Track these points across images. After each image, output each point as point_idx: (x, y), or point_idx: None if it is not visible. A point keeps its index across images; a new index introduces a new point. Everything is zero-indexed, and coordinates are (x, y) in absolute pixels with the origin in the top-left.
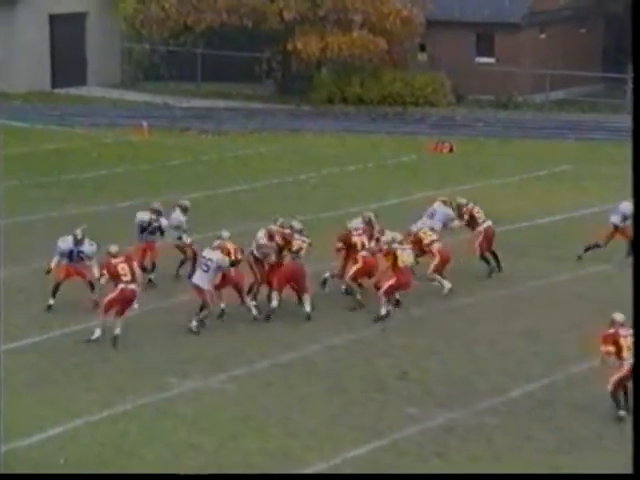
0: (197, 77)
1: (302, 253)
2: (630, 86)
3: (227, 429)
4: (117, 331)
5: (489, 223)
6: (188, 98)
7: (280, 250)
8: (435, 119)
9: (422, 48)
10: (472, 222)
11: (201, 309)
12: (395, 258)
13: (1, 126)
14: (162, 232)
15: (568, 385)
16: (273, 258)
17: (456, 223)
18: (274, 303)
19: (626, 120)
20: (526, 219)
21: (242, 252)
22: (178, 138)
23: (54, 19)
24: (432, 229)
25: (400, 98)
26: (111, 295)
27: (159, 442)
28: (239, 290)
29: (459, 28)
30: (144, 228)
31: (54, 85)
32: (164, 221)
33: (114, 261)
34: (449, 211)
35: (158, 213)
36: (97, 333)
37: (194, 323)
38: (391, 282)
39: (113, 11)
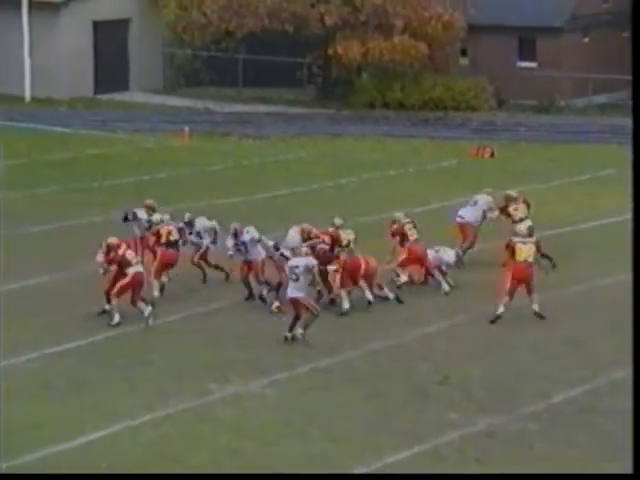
0: (238, 82)
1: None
2: None
3: (268, 434)
4: (147, 312)
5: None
6: (229, 103)
7: (331, 248)
8: (476, 124)
9: (463, 52)
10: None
11: (297, 319)
12: (513, 252)
13: (46, 132)
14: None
15: (611, 391)
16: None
17: (495, 213)
18: (346, 305)
19: None
20: (569, 224)
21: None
22: (219, 143)
23: (97, 25)
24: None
25: (441, 103)
26: (124, 280)
27: (200, 446)
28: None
29: (501, 32)
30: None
31: (97, 91)
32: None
33: (120, 251)
34: (490, 199)
35: (153, 210)
36: (116, 318)
37: (300, 331)
38: (509, 280)
39: (155, 17)
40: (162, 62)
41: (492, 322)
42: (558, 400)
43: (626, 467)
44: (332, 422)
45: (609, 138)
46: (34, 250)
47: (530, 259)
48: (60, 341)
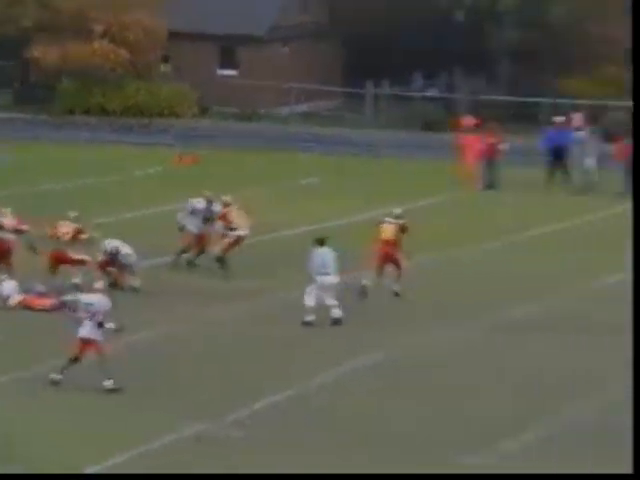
0: None
1: None
2: (370, 102)
3: None
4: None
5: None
6: None
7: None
8: (179, 130)
9: (166, 59)
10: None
11: None
12: None
13: None
14: None
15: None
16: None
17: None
18: None
19: (366, 134)
20: (266, 232)
21: None
22: None
23: None
24: None
25: (146, 109)
26: None
27: None
28: None
29: (203, 40)
30: None
31: None
32: None
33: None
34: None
35: None
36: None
37: None
38: None
39: None
40: None
41: None
42: (260, 406)
43: None
44: None
45: (312, 147)
46: None
47: None
48: None
